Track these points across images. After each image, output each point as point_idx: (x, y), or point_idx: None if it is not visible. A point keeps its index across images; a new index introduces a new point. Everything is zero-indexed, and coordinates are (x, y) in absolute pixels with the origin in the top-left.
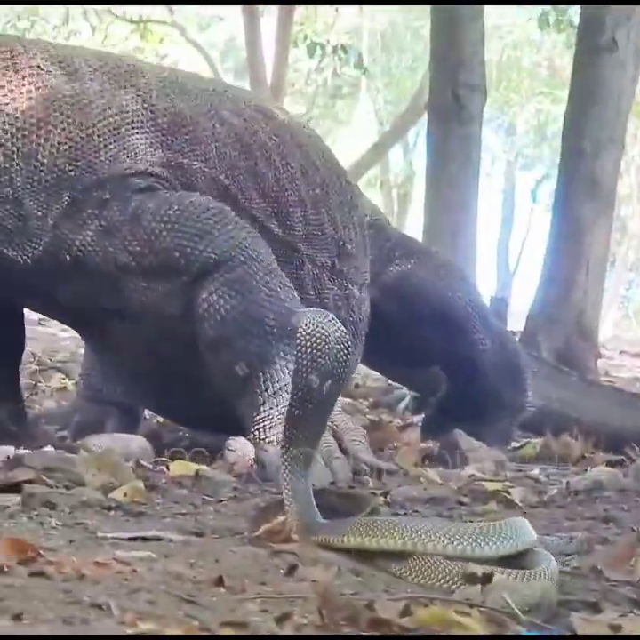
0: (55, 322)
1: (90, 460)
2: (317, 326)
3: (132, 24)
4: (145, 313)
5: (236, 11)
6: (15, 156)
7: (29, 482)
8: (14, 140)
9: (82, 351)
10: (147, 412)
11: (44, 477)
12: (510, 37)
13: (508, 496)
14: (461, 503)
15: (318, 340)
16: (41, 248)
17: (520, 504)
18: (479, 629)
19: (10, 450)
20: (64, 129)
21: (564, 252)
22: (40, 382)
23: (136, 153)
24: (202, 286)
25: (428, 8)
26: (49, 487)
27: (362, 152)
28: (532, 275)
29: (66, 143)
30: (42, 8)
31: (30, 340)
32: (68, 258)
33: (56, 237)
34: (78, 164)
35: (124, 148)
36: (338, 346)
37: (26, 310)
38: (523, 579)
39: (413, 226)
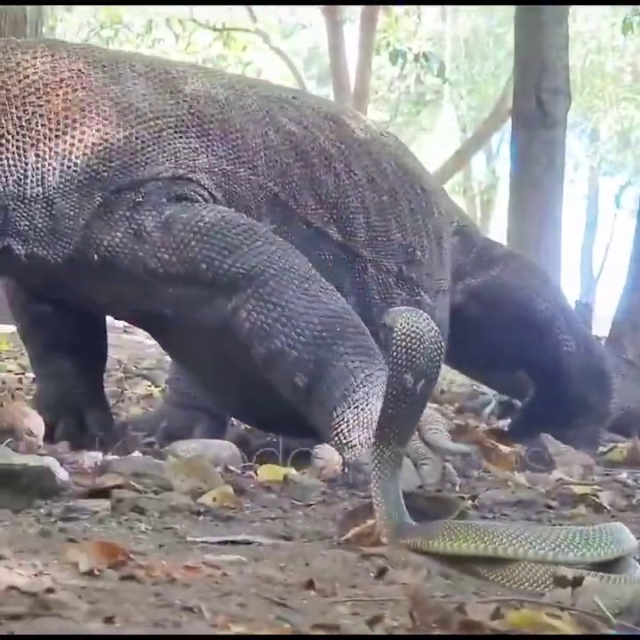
0: (141, 330)
1: (178, 465)
2: (413, 326)
3: (215, 32)
4: (185, 319)
5: (319, 18)
6: (47, 156)
7: (118, 487)
8: (47, 141)
9: (168, 358)
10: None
11: (133, 483)
12: (594, 42)
13: (597, 500)
14: (549, 507)
15: (413, 340)
16: (72, 248)
17: (608, 508)
18: (570, 632)
19: (98, 456)
20: (99, 130)
21: None
22: (126, 390)
23: (177, 157)
24: (240, 305)
25: (511, 14)
26: (137, 492)
27: (445, 159)
28: (616, 280)
29: (101, 144)
30: (125, 16)
31: (116, 347)
32: (96, 258)
33: (86, 237)
34: (112, 165)
35: (164, 152)
36: (432, 345)
37: (110, 317)
38: (613, 582)
39: (497, 232)
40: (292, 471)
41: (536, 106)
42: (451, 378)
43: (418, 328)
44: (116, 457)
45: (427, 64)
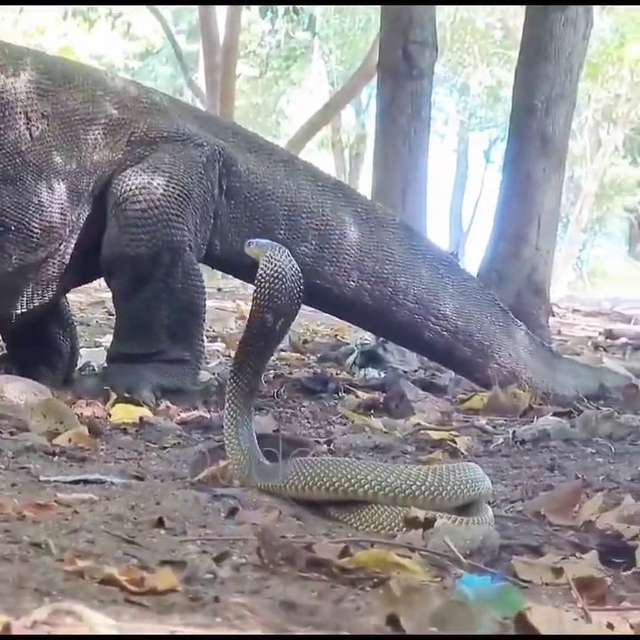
0: None
1: (35, 406)
2: (276, 265)
3: None
4: None
5: None
6: None
7: None
8: None
9: None
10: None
11: None
12: None
13: (454, 445)
14: (406, 452)
15: (276, 281)
16: None
17: (465, 453)
18: (420, 572)
19: None
20: None
21: (514, 209)
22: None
23: None
24: None
25: None
26: None
27: (314, 113)
28: (485, 234)
29: None
30: None
31: None
32: None
33: None
34: None
35: None
36: (293, 285)
37: None
38: (465, 523)
39: (366, 185)
40: (148, 413)
41: (402, 58)
42: (314, 328)
43: (281, 268)
44: None
45: (297, 18)
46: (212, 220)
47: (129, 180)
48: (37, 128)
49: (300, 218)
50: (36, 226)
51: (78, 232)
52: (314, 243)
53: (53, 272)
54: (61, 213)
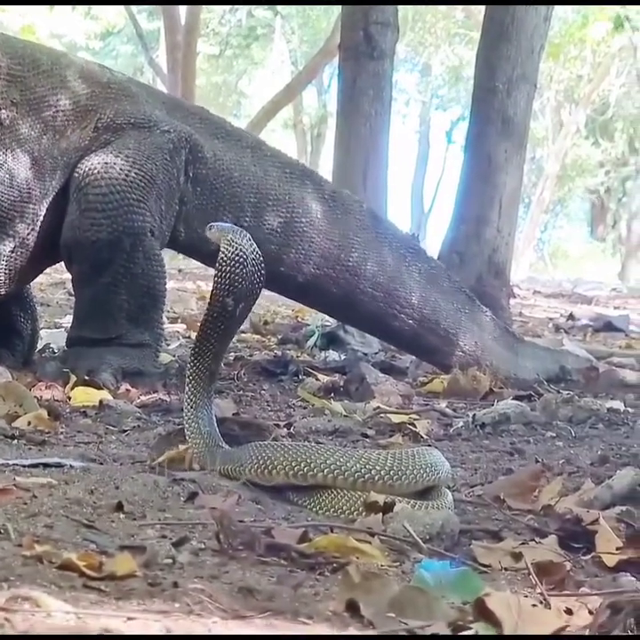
0: None
1: None
2: (237, 249)
3: None
4: None
5: None
6: None
7: None
8: None
9: None
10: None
11: None
12: None
13: (414, 428)
14: (366, 436)
15: (237, 265)
16: None
17: (425, 437)
18: (380, 556)
19: None
20: None
21: (476, 190)
22: None
23: None
24: None
25: None
26: None
27: (275, 93)
28: (446, 214)
29: None
30: None
31: None
32: None
33: None
34: None
35: None
36: (254, 268)
37: None
38: (424, 508)
39: (328, 166)
40: (107, 396)
41: (364, 38)
42: (275, 309)
43: (241, 251)
44: None
45: None
46: (178, 207)
47: (90, 164)
48: (8, 116)
49: (266, 205)
50: (6, 215)
51: (47, 219)
52: (279, 230)
53: (22, 260)
54: (32, 202)
